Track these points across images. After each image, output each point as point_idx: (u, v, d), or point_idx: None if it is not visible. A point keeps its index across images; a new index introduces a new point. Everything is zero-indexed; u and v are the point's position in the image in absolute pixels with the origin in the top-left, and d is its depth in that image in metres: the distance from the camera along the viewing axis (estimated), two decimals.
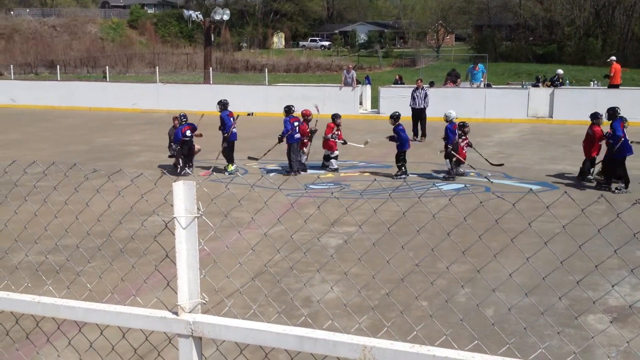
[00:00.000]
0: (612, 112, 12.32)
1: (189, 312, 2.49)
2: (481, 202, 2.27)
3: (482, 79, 24.44)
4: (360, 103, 25.68)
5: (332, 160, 14.22)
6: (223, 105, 14.22)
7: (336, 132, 14.29)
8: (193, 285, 2.51)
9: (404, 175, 13.35)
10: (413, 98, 19.35)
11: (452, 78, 25.92)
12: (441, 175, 13.46)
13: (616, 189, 11.83)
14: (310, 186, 12.55)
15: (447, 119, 13.72)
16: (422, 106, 19.14)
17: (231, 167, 13.95)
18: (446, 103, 22.23)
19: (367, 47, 72.22)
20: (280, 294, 6.51)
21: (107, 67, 31.86)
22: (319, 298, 5.88)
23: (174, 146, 13.73)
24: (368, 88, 26.88)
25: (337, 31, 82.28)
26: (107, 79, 29.48)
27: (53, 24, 69.98)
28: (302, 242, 7.39)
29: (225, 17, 32.42)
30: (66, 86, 30.04)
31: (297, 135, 13.90)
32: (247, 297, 3.26)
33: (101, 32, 70.29)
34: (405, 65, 56.50)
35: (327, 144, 14.28)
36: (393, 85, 27.57)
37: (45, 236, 3.19)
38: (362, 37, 78.70)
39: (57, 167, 2.73)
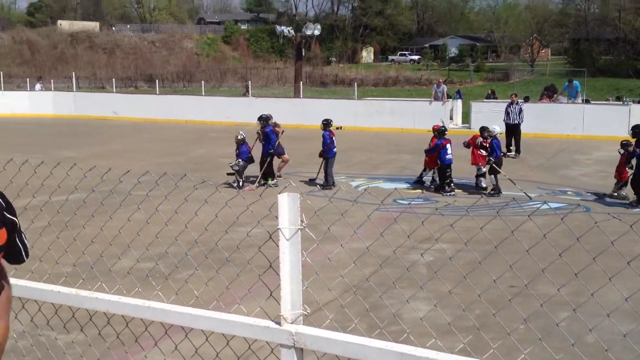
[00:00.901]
0: (638, 130, 12.05)
1: (291, 323, 2.52)
2: (596, 223, 2.18)
3: (577, 96, 23.64)
4: (451, 118, 25.31)
5: (482, 178, 13.30)
6: (265, 120, 14.13)
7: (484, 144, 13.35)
8: (295, 296, 2.54)
9: (452, 193, 12.97)
10: (507, 113, 18.91)
11: (549, 93, 25.13)
12: (488, 191, 13.02)
13: (630, 204, 11.79)
14: (413, 202, 12.38)
15: (491, 134, 13.39)
16: (516, 122, 18.67)
17: (272, 181, 13.92)
18: (542, 119, 21.62)
19: (458, 61, 71.22)
20: (370, 309, 6.47)
21: (249, 82, 32.57)
22: (412, 316, 5.81)
23: (241, 163, 13.67)
24: (459, 102, 26.48)
25: (427, 45, 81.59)
26: (249, 94, 30.12)
27: (152, 40, 73.23)
28: (393, 258, 7.33)
29: (317, 32, 32.91)
30: (164, 99, 31.33)
31: (335, 150, 13.88)
32: (342, 311, 3.27)
33: (197, 47, 72.90)
34: (497, 79, 55.34)
35: (475, 159, 13.42)
36: (485, 100, 27.05)
37: (155, 243, 3.32)
38: (452, 51, 77.69)
39: (168, 177, 2.85)
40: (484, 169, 13.22)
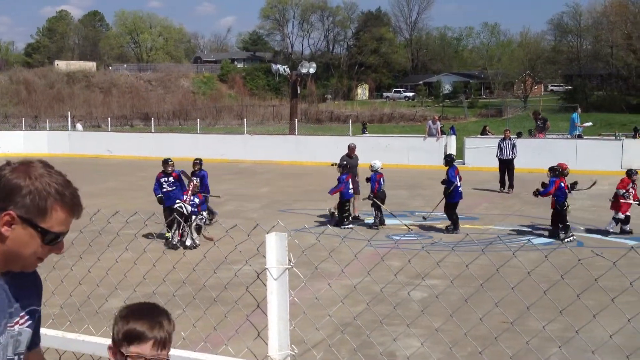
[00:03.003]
0: (450, 160, 13.48)
1: None
2: (579, 260, 2.20)
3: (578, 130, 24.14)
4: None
5: (613, 225, 12.40)
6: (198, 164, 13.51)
7: (630, 190, 12.37)
8: (283, 336, 2.54)
9: (350, 225, 13.41)
10: (500, 149, 19.05)
11: (540, 123, 25.32)
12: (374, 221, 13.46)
13: (446, 228, 12.86)
14: (402, 238, 12.44)
15: (372, 168, 13.79)
16: (509, 157, 18.80)
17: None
18: (535, 153, 21.76)
19: (452, 98, 72.00)
20: (363, 346, 6.43)
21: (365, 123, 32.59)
22: (404, 353, 5.77)
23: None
24: (453, 138, 26.67)
25: (421, 82, 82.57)
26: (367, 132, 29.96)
27: (148, 79, 73.89)
28: (385, 295, 7.32)
29: (312, 71, 33.25)
30: (159, 137, 31.45)
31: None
32: (331, 350, 3.26)
33: (193, 86, 73.53)
34: (491, 115, 55.85)
35: (616, 203, 12.43)
36: (479, 136, 27.26)
37: (143, 284, 3.33)
38: (446, 88, 78.58)
39: (157, 217, 2.86)
40: (622, 216, 12.38)
